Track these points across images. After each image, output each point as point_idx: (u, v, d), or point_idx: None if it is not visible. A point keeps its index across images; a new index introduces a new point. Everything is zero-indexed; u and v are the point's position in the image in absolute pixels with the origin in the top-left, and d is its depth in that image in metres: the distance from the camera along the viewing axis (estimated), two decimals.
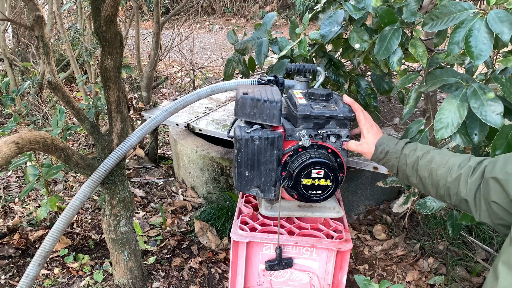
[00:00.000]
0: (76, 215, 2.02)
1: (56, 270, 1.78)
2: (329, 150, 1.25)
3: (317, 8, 1.82)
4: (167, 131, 3.31)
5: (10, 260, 1.83)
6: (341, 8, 1.68)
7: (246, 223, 1.40)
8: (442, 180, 1.00)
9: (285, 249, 1.37)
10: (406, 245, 1.97)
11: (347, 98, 1.25)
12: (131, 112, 2.47)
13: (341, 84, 1.88)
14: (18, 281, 1.72)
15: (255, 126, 1.22)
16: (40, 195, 2.34)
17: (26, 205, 2.24)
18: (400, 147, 1.14)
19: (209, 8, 8.98)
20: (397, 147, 1.14)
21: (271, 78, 1.43)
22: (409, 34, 1.39)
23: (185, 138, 2.34)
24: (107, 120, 1.52)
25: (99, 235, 2.00)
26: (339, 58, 1.90)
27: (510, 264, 0.69)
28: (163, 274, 1.79)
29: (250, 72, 2.03)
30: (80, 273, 1.78)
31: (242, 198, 1.55)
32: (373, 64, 1.65)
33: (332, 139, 1.24)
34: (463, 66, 1.43)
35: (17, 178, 2.54)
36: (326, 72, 1.83)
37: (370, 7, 1.62)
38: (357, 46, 1.60)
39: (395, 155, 1.13)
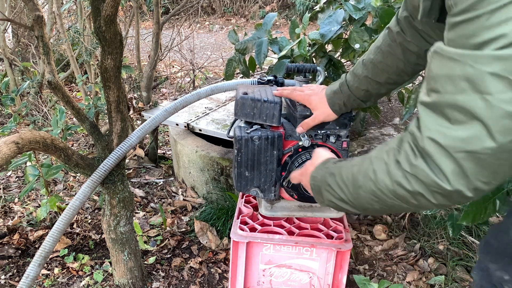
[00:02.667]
0: (76, 215, 2.02)
1: (56, 270, 1.78)
2: (329, 151, 1.24)
3: (317, 8, 1.82)
4: (167, 131, 3.31)
5: (10, 260, 1.83)
6: (341, 8, 1.68)
7: (246, 223, 1.40)
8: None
9: (285, 249, 1.37)
10: (406, 245, 1.97)
11: (275, 92, 1.25)
12: (131, 112, 2.47)
13: None
14: (18, 281, 1.72)
15: (255, 126, 1.22)
16: (40, 195, 2.34)
17: (26, 205, 2.24)
18: (346, 90, 1.13)
19: (209, 8, 8.98)
20: (344, 91, 1.14)
21: (271, 78, 1.43)
22: None
23: (185, 138, 2.34)
24: (107, 120, 1.52)
25: (99, 235, 2.00)
26: (339, 58, 1.90)
27: None
28: (163, 274, 1.79)
29: (251, 72, 2.03)
30: (80, 273, 1.78)
31: (242, 198, 1.55)
32: None
33: (332, 139, 1.24)
34: None
35: (17, 178, 2.54)
36: (326, 72, 1.83)
37: (370, 7, 1.62)
38: (357, 46, 1.61)
39: (352, 98, 1.13)
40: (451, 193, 0.63)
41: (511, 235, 0.92)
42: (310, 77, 1.49)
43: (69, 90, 4.02)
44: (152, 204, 2.32)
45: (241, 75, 2.08)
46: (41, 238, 1.96)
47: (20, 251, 1.87)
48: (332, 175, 0.87)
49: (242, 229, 1.36)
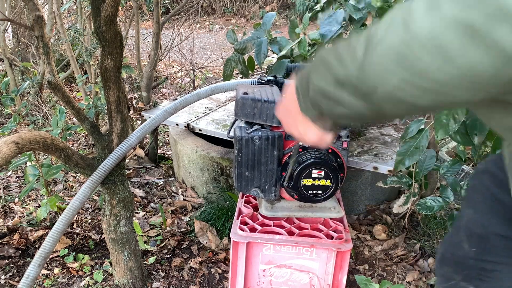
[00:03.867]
0: (76, 215, 2.02)
1: (56, 270, 1.78)
2: (329, 150, 1.25)
3: (317, 8, 1.82)
4: (167, 131, 3.31)
5: (10, 260, 1.83)
6: (341, 8, 1.68)
7: (246, 224, 1.40)
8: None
9: (285, 249, 1.37)
10: (406, 245, 1.97)
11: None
12: (131, 112, 2.47)
13: None
14: (18, 281, 1.71)
15: (255, 127, 1.22)
16: (40, 195, 2.34)
17: (26, 205, 2.24)
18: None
19: (209, 8, 8.98)
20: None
21: (271, 78, 1.43)
22: None
23: (185, 138, 2.33)
24: (107, 120, 1.52)
25: (99, 235, 2.00)
26: None
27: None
28: (163, 274, 1.78)
29: (250, 72, 2.03)
30: (80, 273, 1.78)
31: (242, 198, 1.55)
32: None
33: None
34: None
35: (17, 178, 2.54)
36: None
37: (370, 7, 1.62)
38: None
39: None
40: None
41: (465, 247, 0.89)
42: None
43: (69, 90, 4.02)
44: (152, 204, 2.32)
45: (240, 76, 2.08)
46: (41, 238, 1.96)
47: (20, 251, 1.87)
48: (316, 63, 0.63)
49: (242, 229, 1.36)
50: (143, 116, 2.44)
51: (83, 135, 3.15)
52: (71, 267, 1.80)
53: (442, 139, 1.23)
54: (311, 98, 0.65)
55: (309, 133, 0.73)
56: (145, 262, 1.83)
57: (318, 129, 0.71)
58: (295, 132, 0.77)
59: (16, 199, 2.29)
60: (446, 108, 0.54)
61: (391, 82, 0.50)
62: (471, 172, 1.82)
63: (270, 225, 1.40)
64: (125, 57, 2.23)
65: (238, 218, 1.43)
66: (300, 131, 0.74)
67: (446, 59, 0.45)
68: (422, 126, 1.39)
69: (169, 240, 1.99)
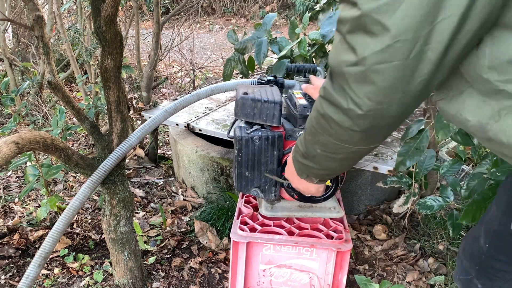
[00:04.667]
0: (76, 215, 2.02)
1: (56, 270, 1.78)
2: None
3: (317, 8, 1.82)
4: (167, 131, 3.31)
5: (10, 260, 1.83)
6: None
7: (246, 224, 1.40)
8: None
9: (285, 249, 1.37)
10: (406, 245, 1.97)
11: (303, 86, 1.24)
12: (131, 112, 2.47)
13: None
14: (18, 281, 1.72)
15: (255, 127, 1.22)
16: (40, 195, 2.34)
17: (26, 205, 2.24)
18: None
19: (209, 8, 8.98)
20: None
21: (271, 78, 1.43)
22: None
23: (185, 138, 2.34)
24: (107, 120, 1.52)
25: (99, 235, 2.00)
26: None
27: None
28: (163, 274, 1.78)
29: (250, 72, 2.03)
30: (80, 273, 1.78)
31: (242, 198, 1.55)
32: None
33: None
34: None
35: (17, 178, 2.54)
36: (326, 72, 1.83)
37: None
38: None
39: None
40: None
41: (481, 242, 0.90)
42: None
43: (69, 90, 4.02)
44: (152, 204, 2.32)
45: (241, 76, 2.08)
46: (41, 238, 1.96)
47: (20, 251, 1.87)
48: (299, 136, 0.91)
49: (242, 229, 1.36)
50: (143, 116, 2.44)
51: (83, 135, 3.15)
52: (71, 267, 1.80)
53: (443, 140, 1.23)
54: (296, 167, 0.95)
55: (309, 188, 1.02)
56: (145, 262, 1.83)
57: (313, 184, 0.99)
58: (300, 187, 1.05)
59: (16, 199, 2.29)
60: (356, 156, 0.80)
61: (318, 150, 0.78)
62: (471, 172, 1.82)
63: (270, 225, 1.40)
64: (125, 57, 2.23)
65: (238, 218, 1.43)
66: (303, 186, 1.03)
67: (327, 132, 0.72)
68: (422, 127, 1.39)
69: (169, 240, 1.99)
